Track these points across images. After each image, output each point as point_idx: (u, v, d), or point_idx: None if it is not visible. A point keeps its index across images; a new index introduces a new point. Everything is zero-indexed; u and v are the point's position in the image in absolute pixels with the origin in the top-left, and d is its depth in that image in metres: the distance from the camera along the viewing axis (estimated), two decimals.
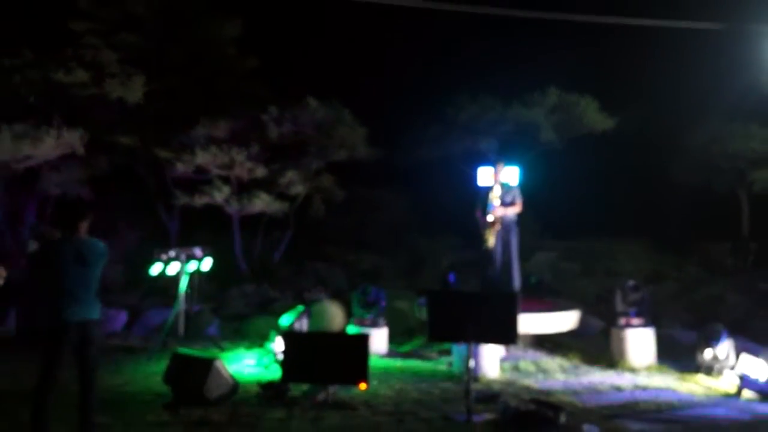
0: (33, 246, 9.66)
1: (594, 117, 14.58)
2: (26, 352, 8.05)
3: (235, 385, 6.51)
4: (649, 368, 8.01)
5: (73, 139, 11.03)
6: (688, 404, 6.55)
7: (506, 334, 6.15)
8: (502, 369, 7.75)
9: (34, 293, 7.55)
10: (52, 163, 11.61)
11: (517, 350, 8.57)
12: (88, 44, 12.22)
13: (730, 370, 7.38)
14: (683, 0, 13.91)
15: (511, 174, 9.43)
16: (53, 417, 5.05)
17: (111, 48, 12.35)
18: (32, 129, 10.61)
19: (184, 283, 9.05)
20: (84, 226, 5.11)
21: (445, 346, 8.47)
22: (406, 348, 9.48)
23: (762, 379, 6.72)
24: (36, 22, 10.81)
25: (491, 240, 8.95)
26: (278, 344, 7.81)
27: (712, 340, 7.65)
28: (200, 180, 12.90)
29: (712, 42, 12.82)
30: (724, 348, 7.57)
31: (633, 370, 7.92)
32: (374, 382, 6.94)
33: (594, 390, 7.07)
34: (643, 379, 7.53)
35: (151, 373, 7.44)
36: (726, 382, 7.26)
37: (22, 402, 5.10)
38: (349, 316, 9.88)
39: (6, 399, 6.19)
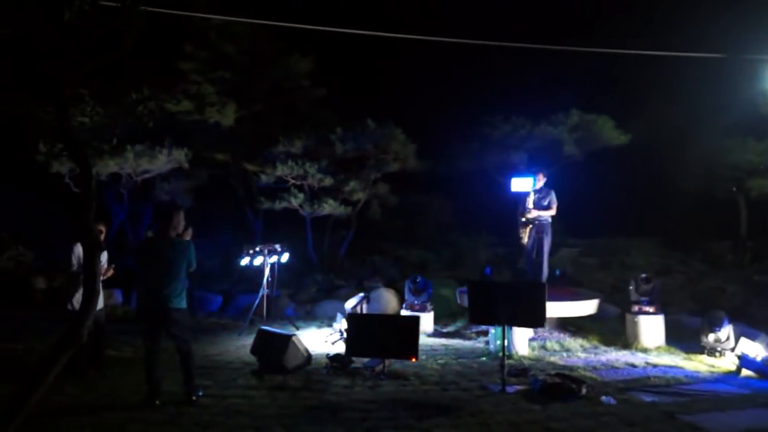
0: None
1: (610, 133, 14.22)
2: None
3: (308, 357, 6.61)
4: (658, 349, 7.80)
5: (180, 156, 11.40)
6: (694, 380, 6.35)
7: (535, 318, 6.09)
8: (531, 348, 7.66)
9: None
10: (163, 176, 12.02)
11: (544, 332, 8.46)
12: (192, 80, 12.59)
13: (730, 351, 7.14)
14: (687, 28, 13.53)
15: (540, 182, 9.15)
16: (168, 377, 5.27)
17: (210, 82, 12.68)
18: (149, 148, 11.01)
19: (266, 273, 9.25)
20: (172, 228, 5.22)
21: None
22: (449, 329, 9.47)
23: (759, 359, 6.47)
24: (153, 64, 11.20)
25: (525, 238, 8.76)
26: (343, 324, 7.90)
27: (714, 325, 7.40)
28: (280, 188, 13.11)
29: (714, 67, 12.38)
30: (725, 332, 7.32)
31: (645, 350, 7.71)
32: (423, 357, 6.96)
33: (611, 366, 6.92)
34: (653, 358, 7.33)
35: (241, 346, 7.63)
36: (727, 362, 7.01)
37: (142, 366, 5.31)
38: (402, 301, 9.91)
39: (130, 365, 6.45)
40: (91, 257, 4.03)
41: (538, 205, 8.64)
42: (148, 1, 4.07)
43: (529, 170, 9.35)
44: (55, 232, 12.22)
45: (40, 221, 12.62)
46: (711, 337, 7.42)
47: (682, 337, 8.20)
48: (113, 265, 6.43)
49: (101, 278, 6.12)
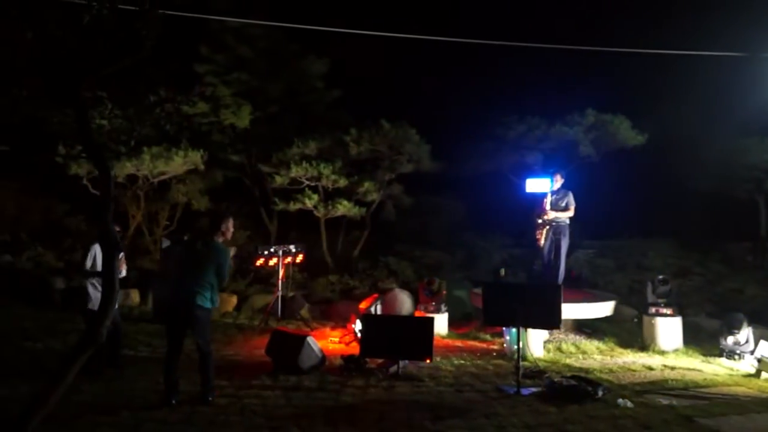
0: (165, 243, 10.15)
1: (626, 134, 14.05)
2: (161, 327, 8.49)
3: (323, 358, 6.62)
4: (676, 351, 7.72)
5: (195, 158, 11.49)
6: (712, 383, 6.27)
7: (551, 320, 6.06)
8: (547, 350, 7.61)
9: (164, 281, 7.93)
10: (179, 177, 12.12)
11: (559, 334, 8.40)
12: (208, 82, 12.69)
13: (749, 354, 7.04)
14: (702, 27, 13.37)
15: (557, 182, 9.00)
16: (184, 377, 5.32)
17: (225, 84, 12.77)
18: (165, 150, 11.12)
19: (281, 273, 9.28)
20: (220, 234, 5.33)
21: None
22: (463, 330, 9.42)
23: None
24: (170, 66, 11.30)
25: (542, 240, 8.65)
26: (357, 325, 7.91)
27: (733, 328, 7.33)
28: (294, 189, 13.15)
29: (730, 67, 12.24)
30: (744, 334, 7.24)
31: (662, 353, 7.64)
32: (437, 359, 6.95)
33: (627, 369, 6.86)
34: (671, 361, 7.26)
35: (256, 346, 7.65)
36: (746, 365, 6.91)
37: (159, 366, 5.37)
38: (416, 302, 9.90)
39: (146, 364, 6.52)
40: (109, 258, 4.08)
41: (555, 207, 8.51)
42: (165, 5, 4.12)
43: (544, 171, 9.24)
44: (73, 233, 12.38)
45: (59, 222, 12.80)
46: (730, 339, 7.34)
47: (700, 340, 8.10)
48: (122, 254, 6.55)
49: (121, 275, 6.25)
